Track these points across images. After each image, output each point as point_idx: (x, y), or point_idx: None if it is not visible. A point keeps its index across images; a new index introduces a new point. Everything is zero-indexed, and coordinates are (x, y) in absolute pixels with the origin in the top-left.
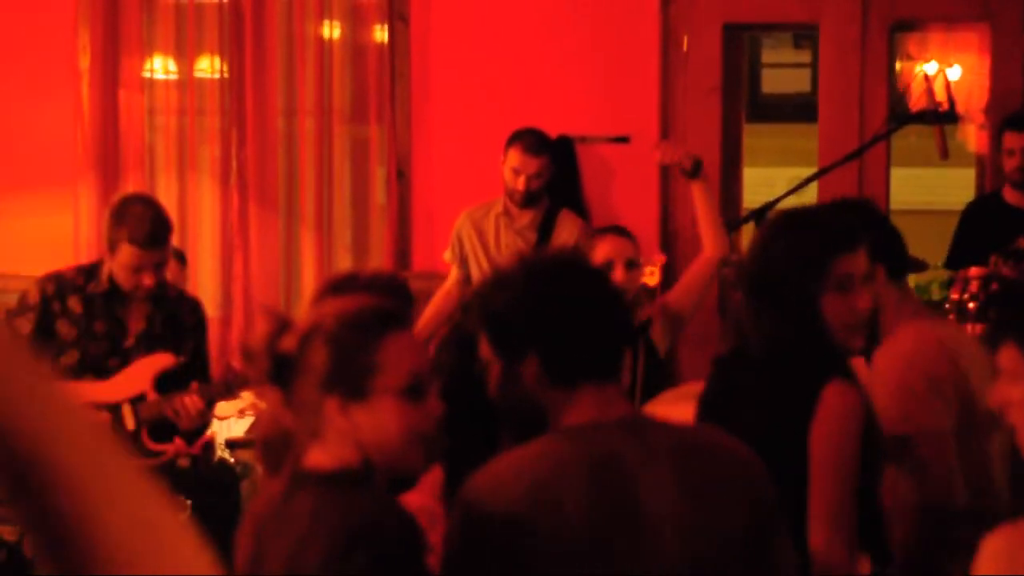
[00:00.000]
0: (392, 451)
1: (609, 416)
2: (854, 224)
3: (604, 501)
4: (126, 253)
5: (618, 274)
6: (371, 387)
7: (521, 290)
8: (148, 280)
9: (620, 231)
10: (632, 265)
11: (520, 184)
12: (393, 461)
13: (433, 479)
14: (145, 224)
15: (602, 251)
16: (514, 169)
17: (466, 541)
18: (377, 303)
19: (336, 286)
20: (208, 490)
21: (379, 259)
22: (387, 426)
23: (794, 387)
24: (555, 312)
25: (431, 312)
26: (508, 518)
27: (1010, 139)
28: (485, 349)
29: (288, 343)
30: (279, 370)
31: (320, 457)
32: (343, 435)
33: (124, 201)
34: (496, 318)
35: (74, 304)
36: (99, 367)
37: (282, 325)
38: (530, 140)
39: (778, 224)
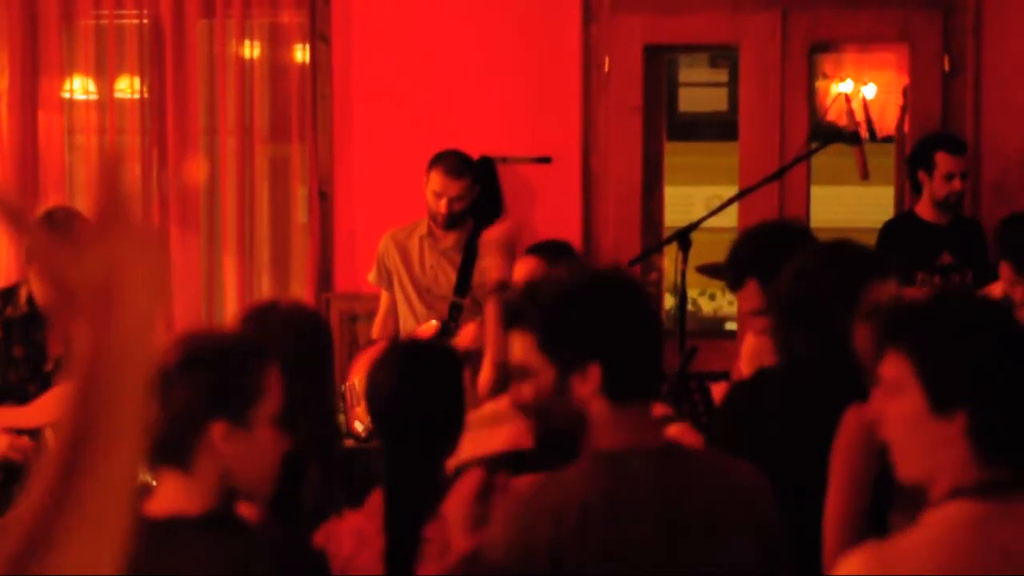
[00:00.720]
0: (263, 480)
1: (650, 442)
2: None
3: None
4: None
5: None
6: (253, 415)
7: (588, 300)
8: None
9: (543, 251)
10: None
11: (443, 207)
12: (259, 490)
13: (373, 499)
14: (70, 229)
15: (517, 273)
16: (436, 192)
17: (510, 555)
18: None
19: (254, 316)
20: None
21: (301, 280)
22: (265, 455)
23: (817, 408)
24: (624, 326)
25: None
26: (554, 545)
27: (949, 163)
28: (533, 356)
29: (159, 370)
30: None
31: (181, 496)
32: (214, 465)
33: (50, 213)
34: (562, 326)
35: None
36: (19, 392)
37: None
38: (451, 162)
39: (818, 253)
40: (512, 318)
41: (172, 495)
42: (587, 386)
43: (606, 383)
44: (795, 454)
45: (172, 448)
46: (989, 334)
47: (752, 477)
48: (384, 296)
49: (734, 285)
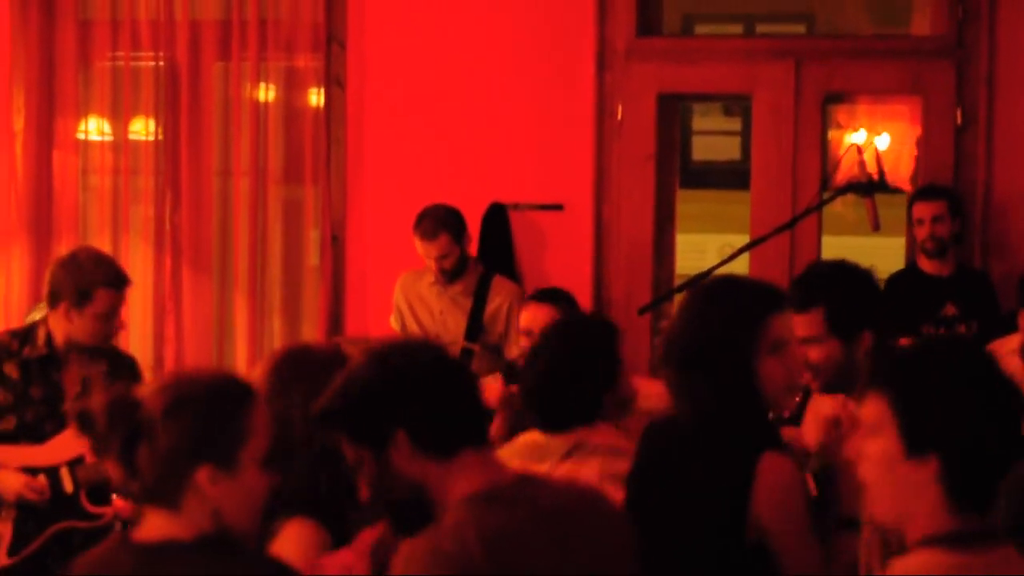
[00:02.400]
0: (250, 520)
1: (505, 479)
2: (778, 286)
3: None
4: (104, 299)
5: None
6: (239, 457)
7: (374, 374)
8: (120, 324)
9: (542, 298)
10: None
11: (433, 267)
12: (247, 530)
13: (367, 537)
14: (114, 266)
15: (523, 320)
16: (422, 254)
17: None
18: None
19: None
20: None
21: (312, 323)
22: (252, 496)
23: (727, 459)
24: (413, 384)
25: None
26: None
27: (919, 209)
28: (350, 451)
29: (144, 414)
30: (129, 441)
31: (171, 527)
32: (203, 506)
33: (74, 255)
34: (353, 409)
35: (10, 370)
36: (36, 432)
37: (128, 396)
38: (425, 226)
39: (705, 293)
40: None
41: (162, 526)
42: (401, 454)
43: (417, 444)
44: (705, 502)
45: (160, 490)
46: (969, 380)
47: (603, 500)
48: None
49: (799, 306)
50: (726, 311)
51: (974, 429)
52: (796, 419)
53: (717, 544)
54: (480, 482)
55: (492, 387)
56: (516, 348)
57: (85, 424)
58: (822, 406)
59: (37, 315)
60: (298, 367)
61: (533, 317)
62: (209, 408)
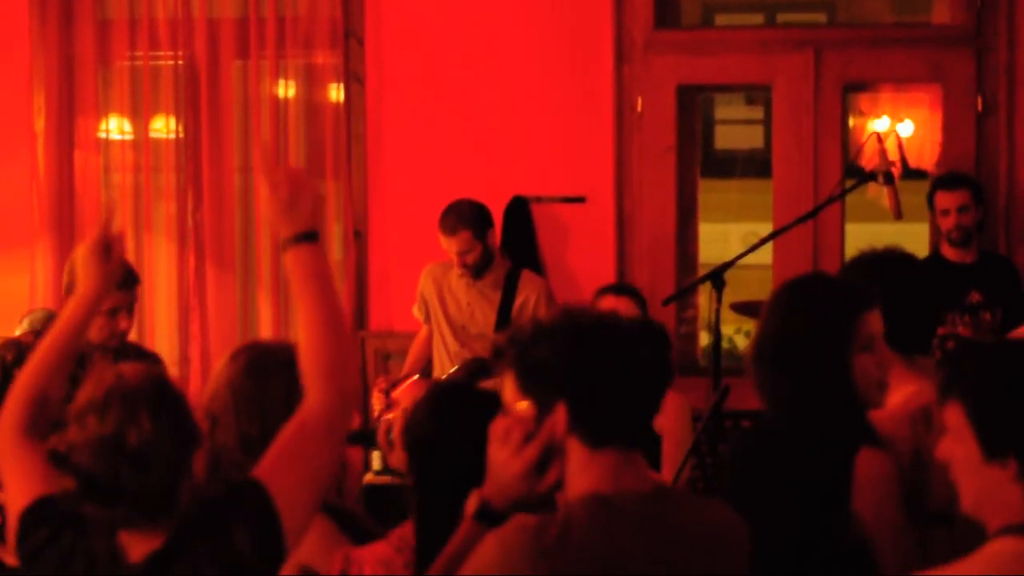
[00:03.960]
0: None
1: (641, 488)
2: (867, 285)
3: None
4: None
5: None
6: None
7: (560, 340)
8: (124, 323)
9: (621, 290)
10: None
11: (457, 263)
12: None
13: (402, 532)
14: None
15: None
16: (446, 249)
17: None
18: None
19: None
20: None
21: None
22: None
23: (825, 456)
24: (590, 365)
25: (412, 363)
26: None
27: (943, 199)
28: (512, 393)
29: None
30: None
31: None
32: None
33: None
34: (532, 361)
35: None
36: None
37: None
38: (447, 222)
39: (796, 292)
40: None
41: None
42: (557, 425)
43: (573, 422)
44: (803, 503)
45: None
46: None
47: (728, 518)
48: (423, 328)
49: None
50: (821, 309)
51: None
52: None
53: (818, 543)
54: (610, 485)
55: None
56: None
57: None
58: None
59: (20, 330)
60: (270, 357)
61: (616, 307)
62: None
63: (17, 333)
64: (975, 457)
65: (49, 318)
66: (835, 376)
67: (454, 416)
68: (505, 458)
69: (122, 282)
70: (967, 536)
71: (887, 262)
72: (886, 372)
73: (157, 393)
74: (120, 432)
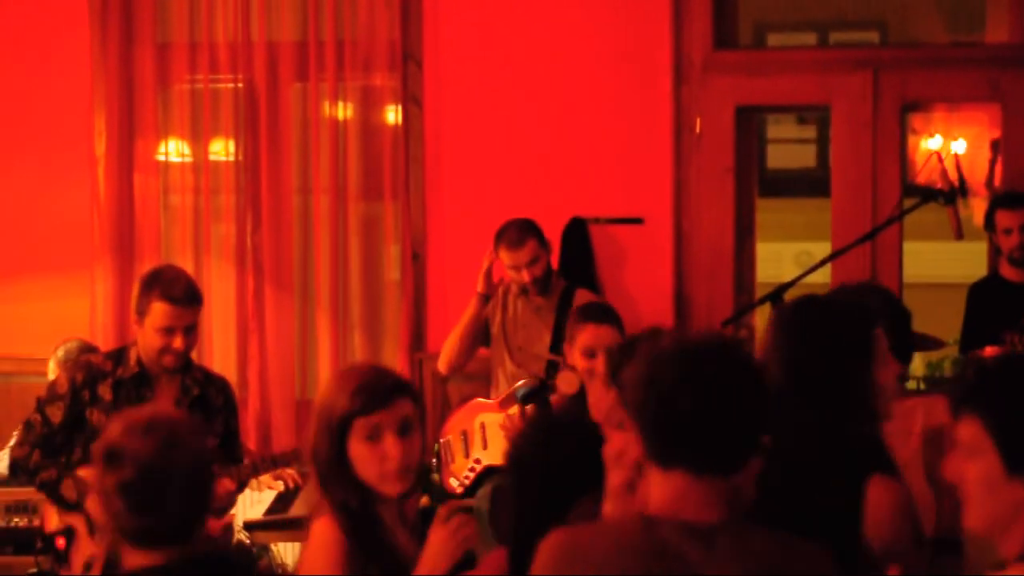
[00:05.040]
0: None
1: (705, 517)
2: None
3: None
4: (158, 312)
5: (598, 364)
6: None
7: (639, 362)
8: (178, 343)
9: (603, 318)
10: None
11: (525, 276)
12: None
13: (495, 558)
14: (178, 282)
15: (584, 339)
16: (511, 267)
17: None
18: None
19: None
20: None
21: (393, 339)
22: None
23: (837, 483)
24: (662, 388)
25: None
26: None
27: (1005, 218)
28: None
29: None
30: None
31: None
32: None
33: (154, 270)
34: (621, 378)
35: (104, 391)
36: None
37: None
38: (511, 235)
39: (804, 314)
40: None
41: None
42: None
43: (644, 441)
44: (815, 528)
45: None
46: None
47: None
48: (473, 304)
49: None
50: (841, 329)
51: None
52: None
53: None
54: (670, 507)
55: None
56: (568, 352)
57: None
58: None
59: (54, 360)
60: (334, 379)
61: (596, 336)
62: None
63: (51, 363)
64: (995, 473)
65: (83, 348)
66: (862, 393)
67: (562, 445)
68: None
69: (178, 298)
70: (977, 564)
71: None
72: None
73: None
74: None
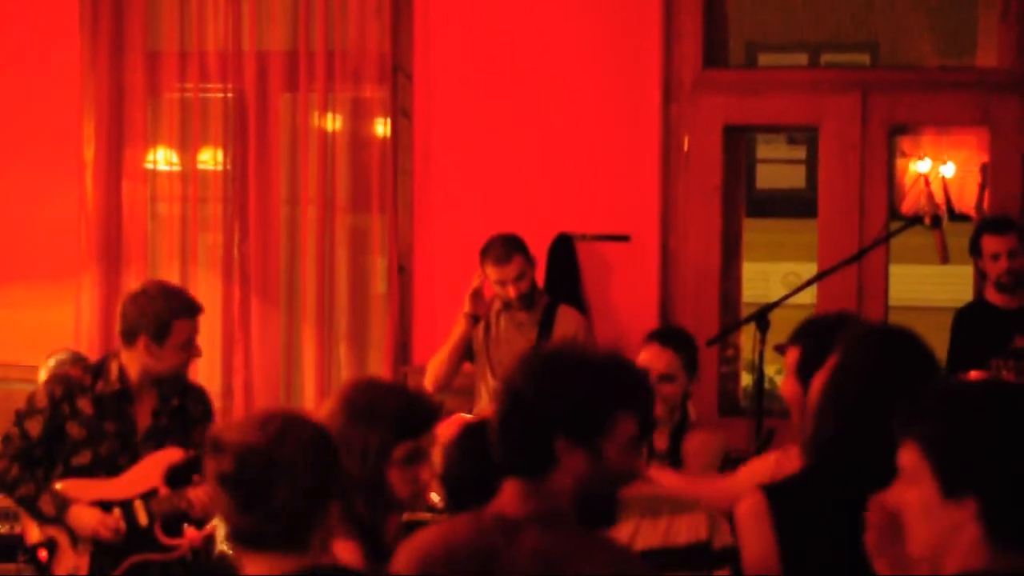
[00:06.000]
0: None
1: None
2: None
3: None
4: (182, 330)
5: None
6: None
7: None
8: (197, 351)
9: (666, 340)
10: (664, 379)
11: (510, 292)
12: None
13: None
14: (187, 297)
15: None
16: (496, 282)
17: None
18: None
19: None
20: None
21: (379, 352)
22: None
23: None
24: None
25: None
26: None
27: (992, 243)
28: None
29: None
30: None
31: None
32: None
33: (145, 290)
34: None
35: (84, 405)
36: (110, 465)
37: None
38: (497, 250)
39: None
40: None
41: None
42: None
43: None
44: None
45: None
46: (1001, 419)
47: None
48: (460, 324)
49: None
50: (885, 355)
51: (1011, 467)
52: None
53: None
54: (498, 505)
55: None
56: None
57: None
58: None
59: (44, 370)
60: (370, 399)
61: (655, 357)
62: None
63: (42, 373)
64: (932, 498)
65: (75, 360)
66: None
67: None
68: None
69: (191, 311)
70: None
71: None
72: None
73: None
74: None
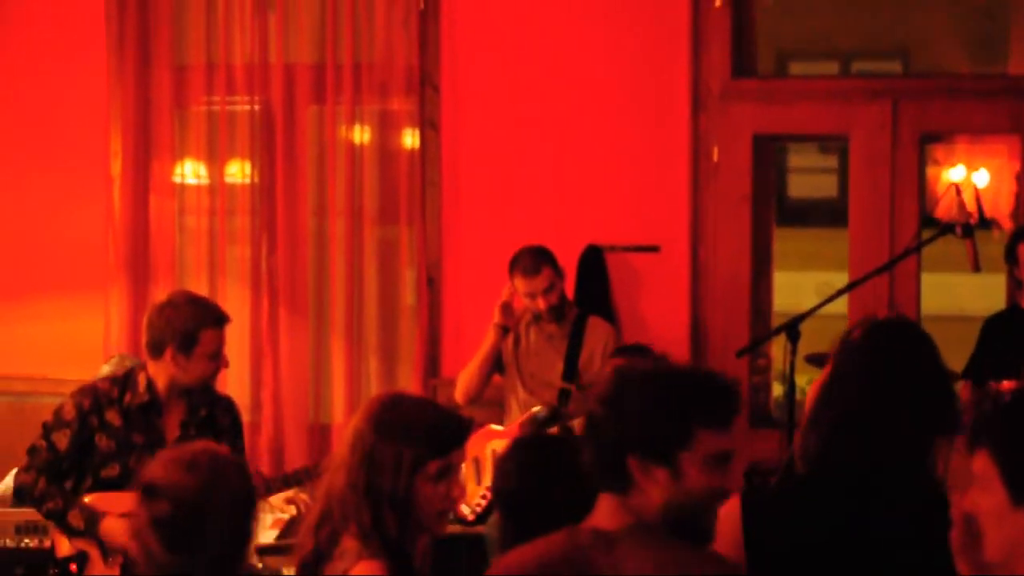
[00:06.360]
0: None
1: (596, 523)
2: None
3: None
4: (210, 339)
5: None
6: None
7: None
8: (226, 360)
9: (633, 352)
10: None
11: (540, 304)
12: None
13: None
14: (214, 306)
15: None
16: (525, 294)
17: None
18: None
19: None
20: None
21: (408, 364)
22: None
23: (931, 507)
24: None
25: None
26: None
27: None
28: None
29: None
30: None
31: None
32: None
33: (171, 300)
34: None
35: (112, 417)
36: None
37: None
38: (526, 263)
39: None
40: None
41: None
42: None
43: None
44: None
45: None
46: None
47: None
48: (491, 334)
49: None
50: (921, 353)
51: None
52: None
53: None
54: (591, 519)
55: None
56: None
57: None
58: None
59: (107, 369)
60: (401, 414)
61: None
62: None
63: (105, 369)
64: (1003, 505)
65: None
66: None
67: (546, 470)
68: None
69: (218, 321)
70: None
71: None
72: None
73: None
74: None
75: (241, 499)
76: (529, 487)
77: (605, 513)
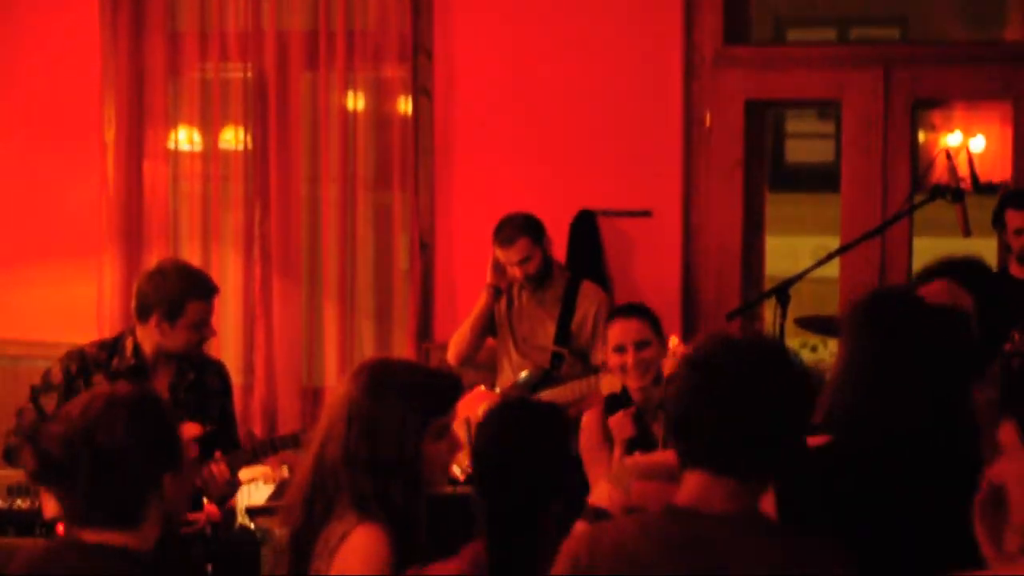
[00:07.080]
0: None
1: (712, 508)
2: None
3: None
4: (195, 311)
5: (629, 358)
6: None
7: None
8: (209, 333)
9: (629, 312)
10: (642, 346)
11: (518, 273)
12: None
13: (473, 550)
14: (204, 278)
15: (612, 338)
16: (506, 263)
17: None
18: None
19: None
20: (229, 557)
21: (401, 329)
22: None
23: (960, 476)
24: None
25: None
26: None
27: (1015, 218)
28: None
29: None
30: None
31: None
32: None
33: (173, 270)
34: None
35: (99, 381)
36: None
37: None
38: (504, 232)
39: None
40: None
41: None
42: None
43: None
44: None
45: None
46: None
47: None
48: (483, 298)
49: None
50: (942, 325)
51: None
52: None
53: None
54: (694, 502)
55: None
56: (602, 353)
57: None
58: None
59: None
60: (398, 377)
61: (625, 331)
62: None
63: None
64: None
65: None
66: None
67: (522, 433)
68: None
69: (206, 293)
70: None
71: (980, 274)
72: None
73: (142, 407)
74: (91, 428)
75: (139, 434)
76: (506, 449)
77: (715, 496)
